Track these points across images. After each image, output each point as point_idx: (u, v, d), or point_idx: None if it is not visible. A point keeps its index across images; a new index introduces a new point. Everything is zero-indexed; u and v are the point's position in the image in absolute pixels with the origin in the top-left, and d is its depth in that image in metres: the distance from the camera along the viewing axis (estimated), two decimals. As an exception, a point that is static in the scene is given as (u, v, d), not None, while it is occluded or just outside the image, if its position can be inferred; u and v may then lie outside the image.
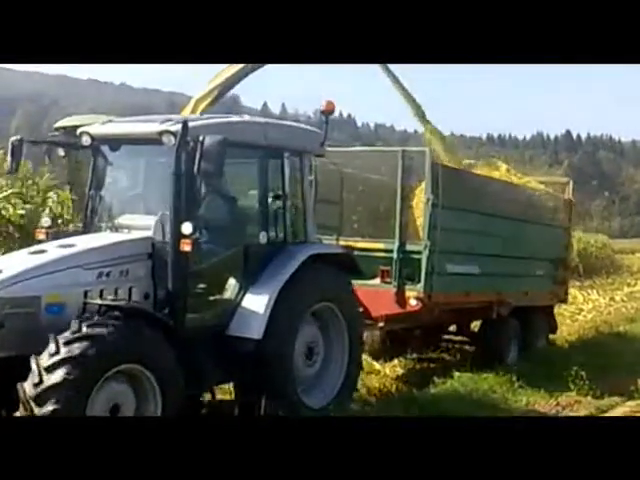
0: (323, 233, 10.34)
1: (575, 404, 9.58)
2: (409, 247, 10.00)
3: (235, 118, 7.65)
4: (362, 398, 9.64)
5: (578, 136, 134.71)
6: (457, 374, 10.38)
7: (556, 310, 18.92)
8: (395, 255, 9.98)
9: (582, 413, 9.24)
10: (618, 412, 9.39)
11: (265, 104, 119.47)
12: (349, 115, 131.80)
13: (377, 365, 11.44)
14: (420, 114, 12.08)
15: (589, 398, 9.80)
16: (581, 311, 18.99)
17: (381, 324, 10.12)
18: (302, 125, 8.56)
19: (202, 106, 11.32)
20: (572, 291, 21.47)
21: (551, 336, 14.02)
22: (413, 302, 9.87)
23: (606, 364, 11.79)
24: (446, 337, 12.47)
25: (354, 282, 9.30)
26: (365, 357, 11.56)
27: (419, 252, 9.90)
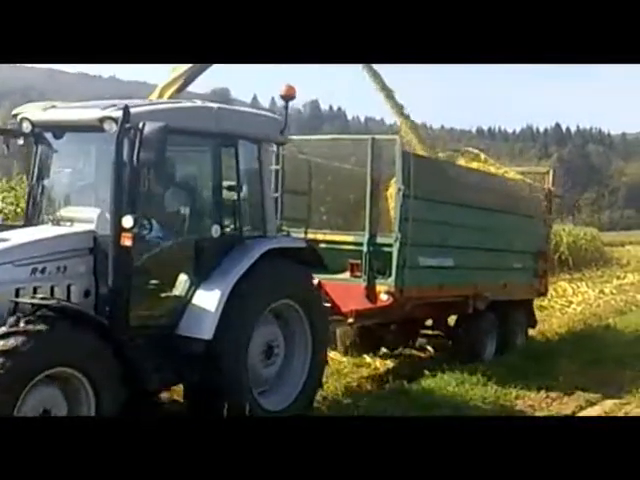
0: (291, 225, 9.91)
1: (565, 397, 9.50)
2: (380, 240, 9.52)
3: (184, 103, 7.15)
4: (353, 391, 9.40)
5: (567, 129, 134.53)
6: (446, 367, 10.06)
7: (546, 303, 19.11)
8: (365, 248, 9.51)
9: (572, 405, 9.23)
10: (607, 405, 9.33)
11: (255, 97, 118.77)
12: (339, 108, 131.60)
13: (368, 358, 11.06)
14: (397, 107, 11.63)
15: (579, 391, 9.71)
16: (571, 304, 18.96)
17: (351, 320, 9.65)
18: (260, 111, 8.07)
19: (169, 92, 10.75)
20: (562, 284, 22.88)
21: (540, 328, 13.84)
22: (384, 297, 9.41)
23: (595, 356, 11.72)
24: (424, 332, 12.01)
25: (323, 276, 8.91)
26: (335, 352, 11.27)
27: (390, 245, 9.43)
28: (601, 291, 22.35)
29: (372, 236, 9.51)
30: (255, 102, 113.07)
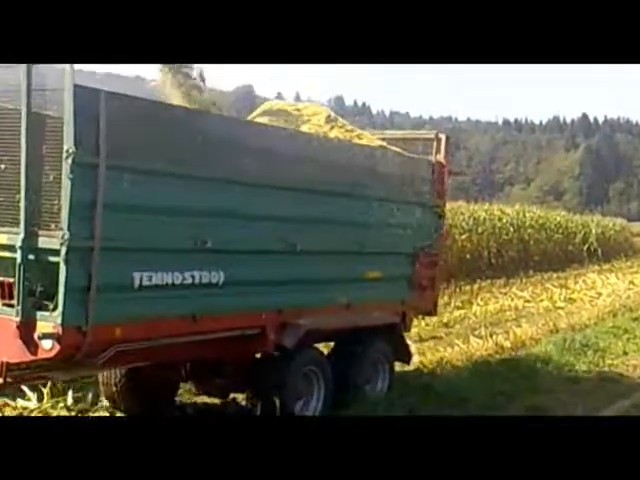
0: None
1: (596, 389, 9.01)
2: (44, 243, 5.21)
3: None
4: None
5: (595, 119, 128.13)
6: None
7: (575, 295, 18.02)
8: (19, 256, 5.21)
9: (602, 395, 8.70)
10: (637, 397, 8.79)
11: (279, 94, 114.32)
12: (364, 104, 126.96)
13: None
14: None
15: (609, 383, 9.35)
16: (600, 295, 18.00)
17: (-1, 381, 5.35)
18: None
19: None
20: (591, 275, 22.58)
21: (570, 322, 13.16)
22: (46, 343, 5.09)
23: (626, 348, 11.46)
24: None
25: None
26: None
27: (57, 252, 5.12)
28: (631, 282, 21.14)
29: (30, 236, 5.19)
30: (280, 99, 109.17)
